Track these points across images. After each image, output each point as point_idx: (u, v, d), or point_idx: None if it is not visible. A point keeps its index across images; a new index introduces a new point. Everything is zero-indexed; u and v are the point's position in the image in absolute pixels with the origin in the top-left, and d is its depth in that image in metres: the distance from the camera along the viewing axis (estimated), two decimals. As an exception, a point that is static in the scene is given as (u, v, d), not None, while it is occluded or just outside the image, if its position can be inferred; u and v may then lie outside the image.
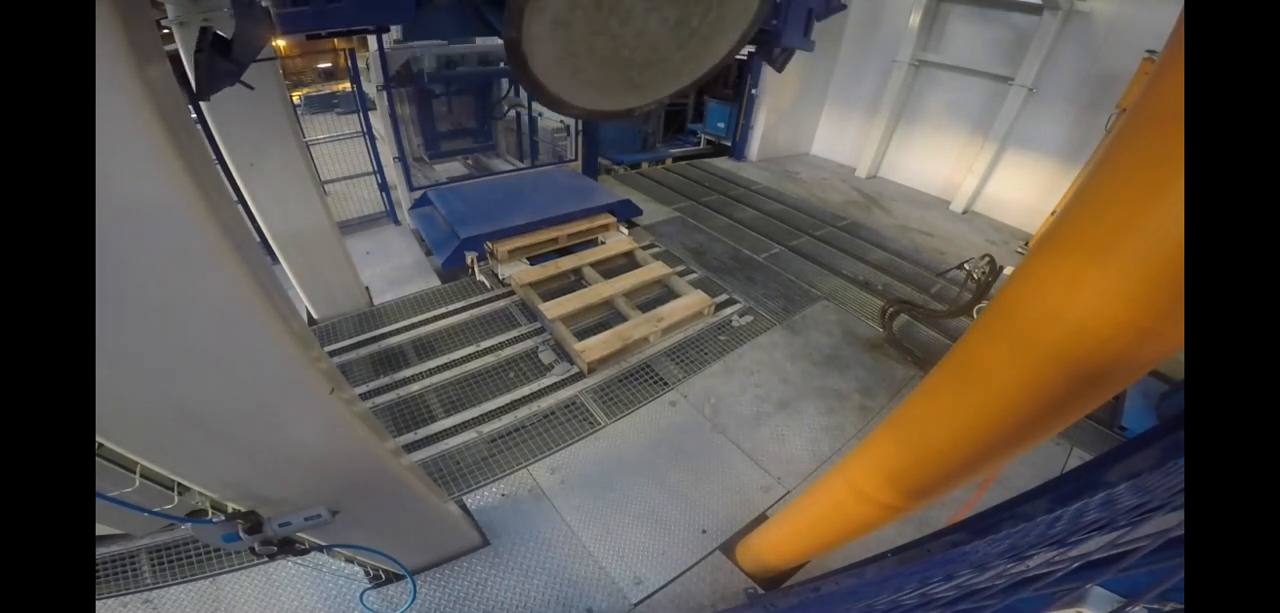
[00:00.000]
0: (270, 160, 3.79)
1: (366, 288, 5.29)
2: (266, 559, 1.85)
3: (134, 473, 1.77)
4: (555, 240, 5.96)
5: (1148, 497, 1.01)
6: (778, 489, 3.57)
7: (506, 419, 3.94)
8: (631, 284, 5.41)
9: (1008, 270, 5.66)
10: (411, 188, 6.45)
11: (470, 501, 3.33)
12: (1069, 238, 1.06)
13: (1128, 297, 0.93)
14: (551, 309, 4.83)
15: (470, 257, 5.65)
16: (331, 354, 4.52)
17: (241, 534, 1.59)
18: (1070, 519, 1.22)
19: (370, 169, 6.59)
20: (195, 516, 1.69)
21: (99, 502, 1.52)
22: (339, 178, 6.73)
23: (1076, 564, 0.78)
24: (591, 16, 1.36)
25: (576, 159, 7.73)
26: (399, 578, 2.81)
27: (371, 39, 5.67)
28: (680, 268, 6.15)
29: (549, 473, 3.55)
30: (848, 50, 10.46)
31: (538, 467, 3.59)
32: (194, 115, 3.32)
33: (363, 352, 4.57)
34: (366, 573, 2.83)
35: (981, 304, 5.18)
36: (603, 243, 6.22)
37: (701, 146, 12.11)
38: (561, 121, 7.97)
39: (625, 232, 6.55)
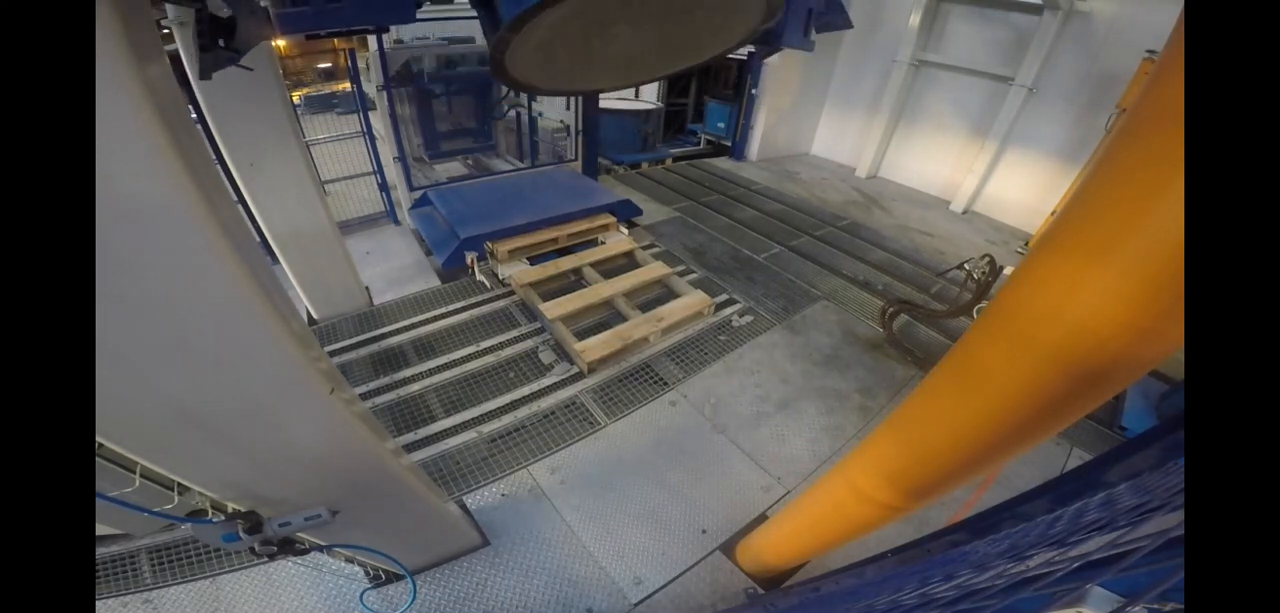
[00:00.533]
0: (270, 160, 3.79)
1: (366, 288, 5.29)
2: (266, 559, 1.85)
3: (134, 473, 1.77)
4: (555, 240, 5.96)
5: (1148, 497, 1.01)
6: (778, 489, 3.57)
7: (506, 419, 3.94)
8: (631, 284, 5.41)
9: (1008, 270, 5.66)
10: (411, 188, 6.45)
11: (470, 501, 3.33)
12: (1069, 238, 1.06)
13: (1128, 297, 0.93)
14: (551, 309, 4.83)
15: (470, 257, 5.65)
16: (331, 354, 4.52)
17: (241, 534, 1.59)
18: (1070, 519, 1.22)
19: (370, 169, 6.59)
20: (195, 516, 1.69)
21: (99, 502, 1.52)
22: (339, 178, 6.73)
23: (1076, 564, 0.78)
24: (573, 44, 1.37)
25: (576, 159, 7.73)
26: (399, 578, 2.81)
27: (371, 39, 5.68)
28: (680, 268, 6.15)
29: (549, 473, 3.55)
30: (848, 50, 10.46)
31: (538, 467, 3.59)
32: (194, 115, 3.32)
33: (363, 352, 4.57)
34: (366, 573, 2.83)
35: (981, 304, 5.18)
36: (603, 243, 6.23)
37: (701, 146, 12.10)
38: (561, 122, 7.97)
39: (625, 232, 6.55)
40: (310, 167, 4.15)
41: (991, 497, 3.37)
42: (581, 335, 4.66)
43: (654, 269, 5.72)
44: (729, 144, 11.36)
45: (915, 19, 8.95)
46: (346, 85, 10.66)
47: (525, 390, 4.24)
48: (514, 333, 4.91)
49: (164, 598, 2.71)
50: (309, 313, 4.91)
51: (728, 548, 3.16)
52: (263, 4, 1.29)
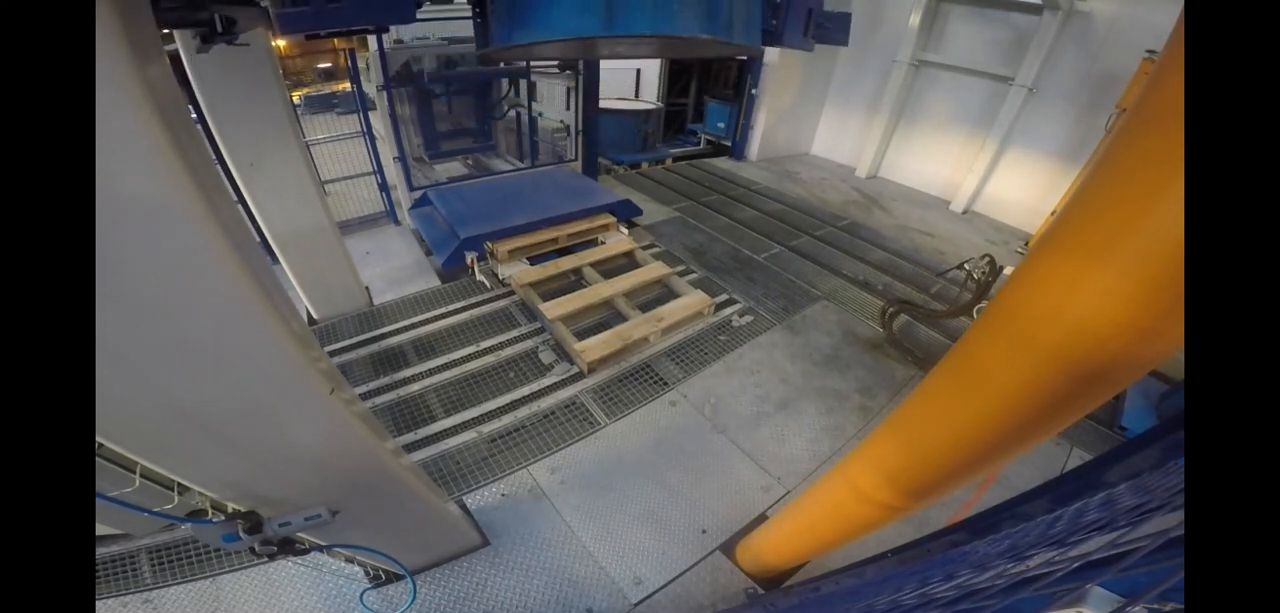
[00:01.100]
0: (270, 160, 3.79)
1: (366, 288, 5.29)
2: (266, 559, 1.85)
3: (134, 473, 1.77)
4: (555, 240, 5.96)
5: (1148, 497, 1.01)
6: (778, 489, 3.57)
7: (506, 419, 3.94)
8: (631, 284, 5.41)
9: (1008, 270, 5.66)
10: (411, 188, 6.45)
11: (470, 501, 3.33)
12: (1069, 238, 1.06)
13: (1128, 297, 0.93)
14: (551, 309, 4.83)
15: (470, 257, 5.65)
16: (331, 354, 4.52)
17: (241, 534, 1.59)
18: (1070, 519, 1.22)
19: (370, 169, 6.59)
20: (195, 516, 1.69)
21: (99, 502, 1.52)
22: (339, 178, 6.73)
23: (1076, 564, 0.78)
24: None
25: (576, 159, 7.73)
26: (399, 578, 2.81)
27: (371, 39, 5.67)
28: (680, 268, 6.15)
29: (549, 473, 3.55)
30: (848, 50, 10.44)
31: (538, 467, 3.59)
32: (194, 115, 3.31)
33: (363, 352, 4.57)
34: (366, 573, 2.83)
35: (981, 304, 5.18)
36: (603, 243, 6.23)
37: (701, 146, 12.11)
38: (561, 121, 7.98)
39: (625, 232, 6.55)
40: (310, 166, 4.15)
41: (991, 497, 3.37)
42: (581, 335, 4.66)
43: (654, 269, 5.72)
44: (729, 144, 11.37)
45: (915, 19, 8.96)
46: (346, 85, 10.67)
47: (525, 390, 4.24)
48: (514, 333, 4.91)
49: (164, 598, 2.71)
50: (309, 313, 4.91)
51: (728, 548, 3.16)
52: (263, 4, 1.29)
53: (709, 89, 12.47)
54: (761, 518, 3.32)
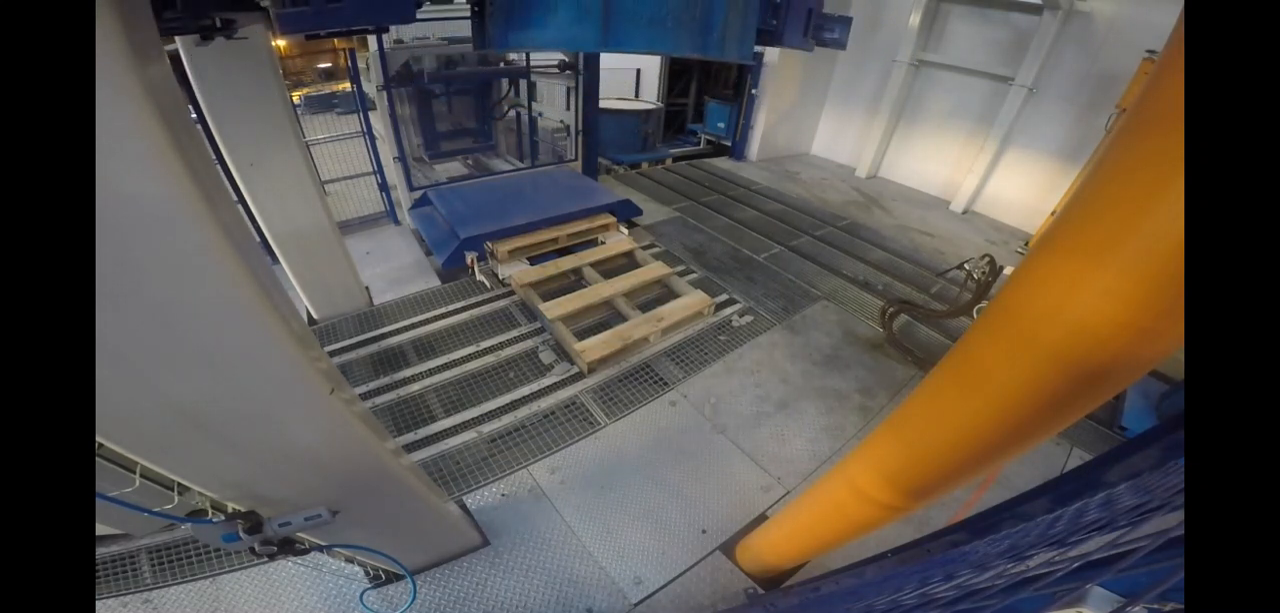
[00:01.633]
0: (270, 160, 3.79)
1: (366, 288, 5.29)
2: (266, 559, 1.85)
3: (134, 473, 1.77)
4: (555, 240, 5.96)
5: (1148, 497, 1.01)
6: (778, 489, 3.57)
7: (506, 419, 3.94)
8: (631, 284, 5.41)
9: (1008, 270, 5.66)
10: (411, 188, 6.45)
11: (470, 501, 3.33)
12: (1069, 238, 1.06)
13: (1128, 297, 0.93)
14: (551, 309, 4.82)
15: (470, 257, 5.65)
16: (331, 354, 4.52)
17: (241, 534, 1.59)
18: (1070, 519, 1.22)
19: (370, 169, 6.59)
20: (195, 516, 1.69)
21: (99, 502, 1.52)
22: (339, 178, 6.73)
23: (1076, 564, 0.78)
24: None
25: (576, 159, 7.73)
26: (399, 578, 2.81)
27: (371, 39, 5.67)
28: (680, 268, 6.15)
29: (549, 473, 3.55)
30: (848, 51, 10.42)
31: (538, 467, 3.59)
32: (194, 115, 3.31)
33: (363, 352, 4.57)
34: (366, 573, 2.83)
35: (981, 304, 5.18)
36: (603, 243, 6.22)
37: (701, 146, 12.11)
38: (561, 121, 7.98)
39: (625, 232, 6.55)
40: (310, 166, 4.15)
41: (991, 497, 3.37)
42: (581, 335, 4.66)
43: (654, 269, 5.72)
44: (729, 144, 11.36)
45: (915, 19, 8.96)
46: (346, 85, 10.67)
47: (525, 390, 4.24)
48: (514, 333, 4.91)
49: (164, 598, 2.71)
50: (309, 313, 4.91)
51: (728, 548, 3.16)
52: (263, 4, 1.29)
53: (709, 89, 12.47)
54: (761, 518, 3.32)
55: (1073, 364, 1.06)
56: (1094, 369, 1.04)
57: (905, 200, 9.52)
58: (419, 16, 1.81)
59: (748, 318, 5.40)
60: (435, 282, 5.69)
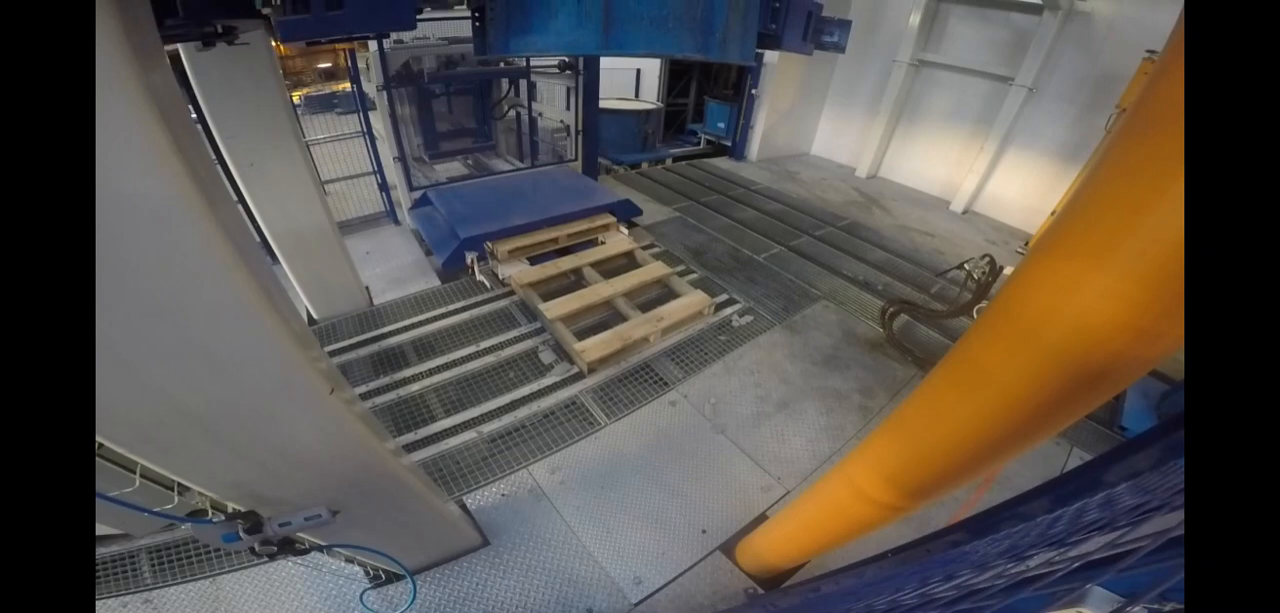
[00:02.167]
0: (270, 160, 3.79)
1: (366, 288, 5.29)
2: (266, 559, 1.85)
3: (134, 473, 1.77)
4: (555, 240, 5.96)
5: (1148, 497, 1.00)
6: (778, 489, 3.57)
7: (506, 419, 3.94)
8: (631, 284, 5.41)
9: (1008, 270, 5.66)
10: (411, 188, 6.44)
11: (470, 501, 3.33)
12: (1069, 238, 1.06)
13: (1127, 297, 0.93)
14: (551, 309, 4.82)
15: (470, 257, 5.65)
16: (331, 354, 4.52)
17: (241, 534, 1.59)
18: (1070, 519, 1.22)
19: (370, 169, 6.59)
20: (195, 516, 1.69)
21: (99, 502, 1.52)
22: (339, 178, 6.72)
23: (1076, 564, 0.77)
24: None
25: (576, 159, 7.73)
26: (399, 578, 2.81)
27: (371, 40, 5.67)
28: (680, 268, 6.15)
29: (549, 473, 3.55)
30: (848, 50, 10.44)
31: (538, 467, 3.59)
32: (194, 116, 3.31)
33: (363, 352, 4.57)
34: (366, 573, 2.83)
35: (981, 304, 5.18)
36: (603, 243, 6.22)
37: (701, 147, 12.11)
38: (561, 121, 7.98)
39: (625, 232, 6.55)
40: (310, 167, 4.15)
41: (991, 497, 3.37)
42: (581, 335, 4.66)
43: (654, 269, 5.72)
44: (729, 144, 11.37)
45: (915, 19, 8.96)
46: (346, 85, 10.66)
47: (525, 390, 4.24)
48: (514, 333, 4.91)
49: (164, 598, 2.71)
50: (309, 313, 4.91)
51: (728, 548, 3.16)
52: (264, 11, 1.29)
53: (709, 89, 12.48)
54: (761, 518, 3.32)
55: (1072, 364, 1.06)
56: (1094, 369, 1.04)
57: (905, 200, 9.52)
58: (418, 21, 1.81)
59: (748, 318, 5.40)
60: (435, 282, 5.69)
